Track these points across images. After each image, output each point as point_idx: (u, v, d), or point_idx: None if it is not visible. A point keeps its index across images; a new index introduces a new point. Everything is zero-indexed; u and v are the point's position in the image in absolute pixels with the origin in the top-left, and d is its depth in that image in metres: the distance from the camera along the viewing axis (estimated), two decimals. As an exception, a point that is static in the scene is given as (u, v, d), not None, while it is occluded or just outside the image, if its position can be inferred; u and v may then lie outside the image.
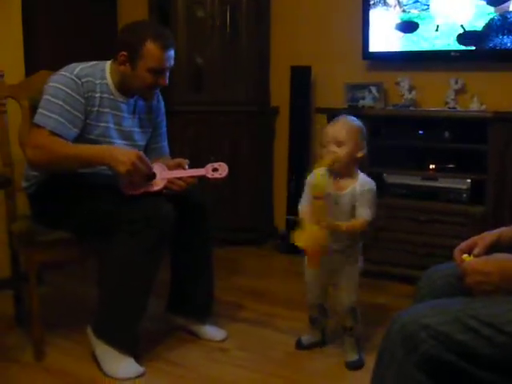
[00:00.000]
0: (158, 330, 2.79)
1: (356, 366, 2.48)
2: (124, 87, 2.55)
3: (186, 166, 2.56)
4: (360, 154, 2.41)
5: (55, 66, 2.86)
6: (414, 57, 3.74)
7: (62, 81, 2.43)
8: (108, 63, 2.56)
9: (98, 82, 2.49)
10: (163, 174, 2.46)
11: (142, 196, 2.39)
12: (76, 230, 2.51)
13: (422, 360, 1.31)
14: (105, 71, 2.54)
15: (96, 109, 2.48)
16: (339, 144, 2.37)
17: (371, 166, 3.48)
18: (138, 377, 2.37)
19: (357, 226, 2.38)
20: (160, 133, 2.81)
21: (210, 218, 2.71)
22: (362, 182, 2.40)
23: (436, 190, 3.39)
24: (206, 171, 2.48)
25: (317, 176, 2.32)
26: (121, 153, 2.35)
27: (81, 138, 2.45)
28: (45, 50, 3.93)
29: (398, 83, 3.72)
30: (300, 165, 4.08)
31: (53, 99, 2.39)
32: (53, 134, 2.37)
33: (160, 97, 2.78)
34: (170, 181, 2.46)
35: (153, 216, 2.33)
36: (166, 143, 2.85)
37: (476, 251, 1.56)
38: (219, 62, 4.16)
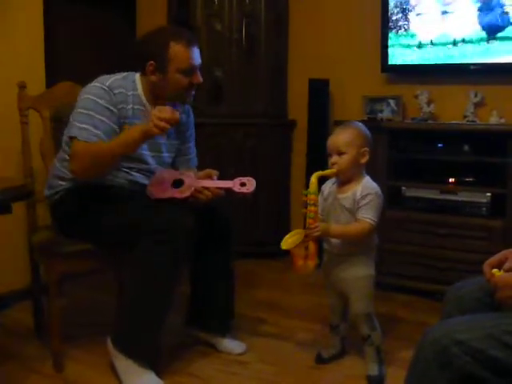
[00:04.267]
0: (177, 343, 2.78)
1: (377, 380, 2.46)
2: (157, 97, 2.54)
3: (215, 177, 2.56)
4: (363, 160, 2.42)
5: (75, 78, 2.90)
6: (433, 70, 3.74)
7: (94, 92, 2.43)
8: (137, 75, 2.56)
9: (129, 93, 2.50)
10: (191, 182, 2.47)
11: (166, 204, 2.40)
12: (98, 240, 2.50)
13: (455, 375, 1.30)
14: (136, 83, 2.54)
15: (128, 120, 2.48)
16: (340, 153, 2.39)
17: (389, 179, 3.49)
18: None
19: (351, 230, 2.38)
20: (189, 146, 2.81)
21: (234, 232, 2.71)
22: (365, 186, 2.40)
23: (455, 203, 3.37)
24: (234, 184, 2.48)
25: (310, 182, 2.36)
26: (142, 122, 2.35)
27: None
28: (65, 62, 3.94)
29: (416, 96, 3.71)
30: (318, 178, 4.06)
31: (85, 111, 2.39)
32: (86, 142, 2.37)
33: (190, 111, 2.78)
34: (197, 189, 2.46)
35: (176, 227, 2.31)
36: (194, 155, 2.85)
37: (507, 266, 1.54)
38: (238, 74, 4.17)
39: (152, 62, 2.46)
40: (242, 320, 3.00)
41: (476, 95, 3.57)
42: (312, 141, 4.07)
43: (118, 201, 2.45)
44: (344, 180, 2.44)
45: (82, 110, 2.40)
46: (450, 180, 3.44)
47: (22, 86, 2.76)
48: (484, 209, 3.29)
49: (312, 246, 2.37)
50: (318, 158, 4.05)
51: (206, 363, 2.62)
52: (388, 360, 2.56)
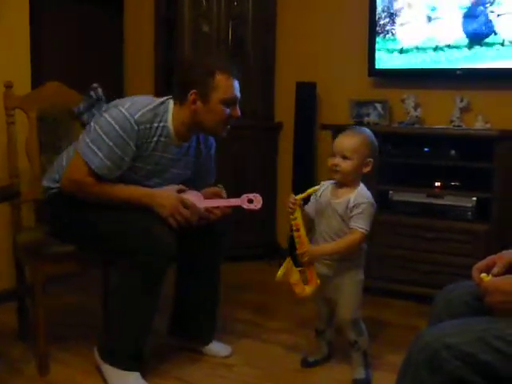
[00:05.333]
0: (163, 346, 2.76)
1: (363, 383, 2.46)
2: (192, 128, 2.48)
3: (224, 196, 2.57)
4: (366, 170, 2.41)
5: (61, 78, 2.88)
6: (420, 75, 3.76)
7: (119, 120, 2.33)
8: (171, 104, 2.47)
9: (156, 125, 2.40)
10: (199, 203, 2.46)
11: (151, 220, 2.35)
12: (82, 243, 2.48)
13: (446, 380, 1.30)
14: (167, 113, 2.44)
15: (147, 153, 2.42)
16: (345, 157, 2.37)
17: (376, 183, 3.49)
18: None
19: (342, 245, 2.37)
20: (205, 169, 2.73)
21: (226, 243, 2.72)
22: (359, 194, 2.39)
23: (441, 207, 3.39)
24: (242, 202, 2.49)
25: (294, 207, 2.39)
26: (161, 196, 2.38)
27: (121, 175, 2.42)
28: (50, 62, 3.92)
29: (403, 100, 3.73)
30: (304, 181, 4.07)
31: (104, 137, 2.32)
32: (94, 173, 2.34)
33: (214, 145, 2.72)
34: (206, 209, 2.46)
35: (154, 249, 2.27)
36: (210, 177, 2.77)
37: (495, 270, 1.54)
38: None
39: (195, 90, 2.39)
40: (228, 323, 3.00)
41: (462, 100, 3.60)
42: (299, 143, 4.08)
43: (110, 207, 2.41)
44: (340, 184, 2.43)
45: (101, 134, 2.33)
46: (437, 184, 3.46)
47: (9, 86, 2.73)
48: (469, 213, 3.31)
49: (307, 270, 2.39)
50: (304, 160, 4.07)
51: (192, 366, 2.61)
52: (375, 364, 2.57)
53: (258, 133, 4.25)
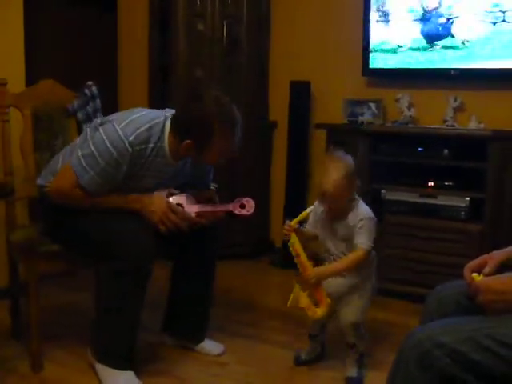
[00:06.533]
0: (156, 343, 2.77)
1: (355, 381, 2.47)
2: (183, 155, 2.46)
3: (216, 200, 2.59)
4: (354, 195, 2.40)
5: (55, 76, 2.88)
6: (414, 74, 3.77)
7: (114, 140, 2.29)
8: (168, 127, 2.40)
9: (151, 145, 2.37)
10: (191, 208, 2.46)
11: (134, 225, 2.35)
12: (68, 244, 2.49)
13: (436, 377, 1.31)
14: (164, 134, 2.39)
15: (141, 172, 2.41)
16: (330, 200, 2.35)
17: (369, 182, 3.51)
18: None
19: (347, 264, 2.38)
20: (204, 170, 2.71)
21: (219, 244, 2.73)
22: (356, 212, 2.39)
23: (434, 207, 3.40)
24: (234, 207, 2.49)
25: (292, 236, 2.40)
26: (151, 202, 2.38)
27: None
28: (44, 60, 3.92)
29: (397, 100, 3.74)
30: (298, 180, 4.09)
31: (97, 156, 2.29)
32: (83, 187, 2.33)
33: None
34: (197, 214, 2.46)
35: (133, 256, 2.27)
36: (208, 177, 2.75)
37: (486, 270, 1.56)
38: (219, 75, 4.16)
39: (189, 141, 2.34)
40: (220, 321, 3.00)
41: (456, 100, 3.61)
42: (293, 142, 4.09)
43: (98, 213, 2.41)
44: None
45: (94, 151, 2.31)
46: (430, 184, 3.47)
47: (3, 84, 2.72)
48: (463, 213, 3.32)
49: (315, 292, 2.39)
50: (298, 159, 4.08)
51: (185, 364, 2.62)
52: (368, 363, 2.58)
53: (253, 132, 4.24)
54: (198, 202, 2.51)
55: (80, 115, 2.96)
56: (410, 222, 3.43)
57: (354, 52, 3.91)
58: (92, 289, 3.00)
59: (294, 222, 2.40)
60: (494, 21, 3.43)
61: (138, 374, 2.41)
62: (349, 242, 2.39)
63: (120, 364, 2.38)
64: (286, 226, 2.41)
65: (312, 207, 2.49)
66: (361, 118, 3.80)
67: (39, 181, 2.55)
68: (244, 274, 4.01)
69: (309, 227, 2.50)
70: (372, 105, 3.82)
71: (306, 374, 2.57)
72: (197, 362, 2.65)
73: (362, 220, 2.36)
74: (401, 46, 3.71)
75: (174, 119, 2.41)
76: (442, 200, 3.38)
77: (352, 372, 2.49)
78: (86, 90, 2.99)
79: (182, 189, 2.52)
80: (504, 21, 3.40)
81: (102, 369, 2.40)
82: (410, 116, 3.69)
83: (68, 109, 2.93)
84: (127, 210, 2.38)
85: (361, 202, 2.43)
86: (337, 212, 2.40)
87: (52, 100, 2.88)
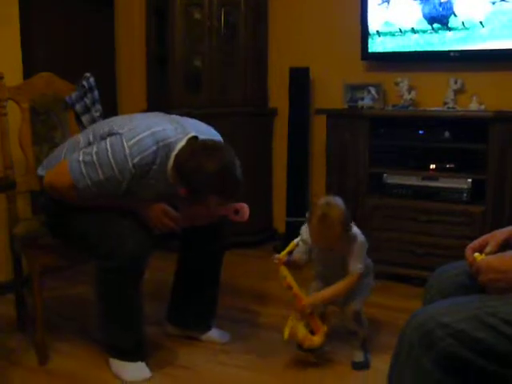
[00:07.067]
0: (162, 333, 2.78)
1: (362, 366, 2.48)
2: None
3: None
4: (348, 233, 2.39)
5: (52, 69, 2.88)
6: (413, 57, 3.75)
7: (118, 158, 2.22)
8: (178, 148, 2.31)
9: (156, 167, 2.30)
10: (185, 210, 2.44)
11: (129, 224, 2.33)
12: (64, 238, 2.49)
13: (440, 358, 1.31)
14: (170, 159, 2.31)
15: (141, 188, 2.36)
16: (325, 247, 2.39)
17: (371, 166, 3.51)
18: (144, 381, 2.38)
19: (342, 289, 2.40)
20: None
21: (228, 236, 2.72)
22: (349, 241, 2.39)
23: (436, 189, 3.39)
24: (228, 212, 2.47)
25: (281, 269, 2.42)
26: (145, 208, 2.37)
27: None
28: (41, 53, 3.90)
29: (397, 84, 3.72)
30: (299, 166, 4.08)
31: (98, 168, 2.23)
32: (77, 190, 2.29)
33: None
34: (191, 217, 2.44)
35: (124, 254, 2.25)
36: None
37: (488, 249, 1.55)
38: (217, 63, 4.15)
39: (187, 190, 2.29)
40: (224, 309, 3.00)
41: (456, 82, 3.59)
42: (293, 129, 4.07)
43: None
44: None
45: (96, 163, 2.24)
46: (431, 166, 3.45)
47: (0, 77, 2.72)
48: (465, 195, 3.31)
49: (311, 321, 2.42)
50: (299, 145, 4.07)
51: (191, 353, 2.62)
52: (371, 346, 2.58)
53: (253, 119, 4.24)
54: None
55: (78, 107, 2.95)
56: (411, 205, 3.43)
57: (352, 36, 3.89)
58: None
59: (282, 255, 2.43)
60: (494, 0, 3.40)
61: (147, 365, 2.43)
62: (342, 267, 2.41)
63: (130, 356, 2.40)
64: (275, 260, 2.43)
65: (299, 238, 2.49)
66: (361, 103, 3.78)
67: (40, 171, 2.51)
68: (248, 262, 4.01)
69: (297, 253, 2.49)
70: (372, 89, 3.80)
71: (311, 361, 2.56)
72: (202, 350, 2.65)
73: (354, 246, 2.39)
74: (401, 29, 3.69)
75: (178, 162, 2.30)
76: (443, 182, 3.37)
77: (358, 357, 2.50)
78: (84, 82, 2.98)
79: None
80: (503, 0, 3.38)
81: (113, 361, 2.43)
82: (411, 99, 3.68)
83: (66, 101, 2.92)
84: (126, 209, 2.37)
85: (354, 228, 2.42)
86: (331, 250, 2.42)
87: (50, 92, 2.88)
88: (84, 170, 2.25)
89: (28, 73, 3.17)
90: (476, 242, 1.61)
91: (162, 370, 2.46)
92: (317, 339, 2.43)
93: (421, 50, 3.68)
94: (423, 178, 3.43)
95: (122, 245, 2.25)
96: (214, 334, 2.75)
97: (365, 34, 3.79)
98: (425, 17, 3.62)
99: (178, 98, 4.10)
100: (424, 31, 3.63)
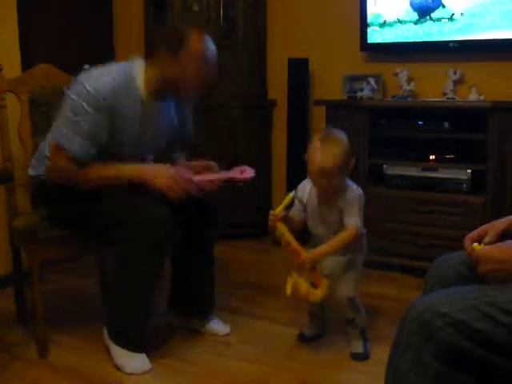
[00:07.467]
0: (162, 325, 2.78)
1: (361, 357, 2.48)
2: (162, 89, 2.44)
3: (216, 169, 2.58)
4: (350, 170, 2.37)
5: (50, 60, 2.86)
6: (413, 48, 3.74)
7: (86, 98, 2.27)
8: (140, 67, 2.42)
9: (123, 91, 2.34)
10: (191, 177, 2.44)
11: (141, 198, 2.34)
12: (77, 228, 2.48)
13: (439, 348, 1.31)
14: (135, 80, 2.39)
15: (123, 124, 2.38)
16: (328, 176, 2.29)
17: (370, 157, 3.51)
18: (144, 373, 2.37)
19: (339, 242, 2.36)
20: (186, 121, 2.73)
21: (219, 220, 2.71)
22: (347, 193, 2.37)
23: (436, 180, 3.39)
24: (234, 173, 2.49)
25: (278, 225, 2.35)
26: (154, 169, 2.37)
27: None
28: (40, 44, 3.88)
29: (396, 74, 3.71)
30: (298, 158, 4.06)
31: (76, 118, 2.28)
32: (76, 158, 2.30)
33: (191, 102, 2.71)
34: (197, 184, 2.43)
35: (147, 224, 2.26)
36: (189, 129, 2.75)
37: (487, 239, 1.55)
38: (216, 55, 4.12)
39: (166, 52, 2.38)
40: (224, 301, 3.00)
41: (455, 73, 3.58)
42: (292, 120, 4.07)
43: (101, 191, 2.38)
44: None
45: (71, 116, 2.29)
46: (431, 157, 3.45)
47: (-1, 69, 2.72)
48: (465, 185, 3.31)
49: (312, 275, 2.38)
50: (298, 137, 4.06)
51: (191, 345, 2.62)
52: (371, 337, 2.58)
53: (252, 111, 4.23)
54: (196, 172, 2.50)
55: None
56: (411, 196, 3.42)
57: (351, 27, 3.88)
58: (96, 274, 3.04)
59: (278, 211, 2.35)
60: (492, -10, 3.39)
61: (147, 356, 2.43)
62: (338, 225, 2.38)
63: (134, 346, 2.40)
64: (270, 216, 2.36)
65: (294, 191, 2.45)
66: (360, 94, 3.78)
67: (31, 171, 2.54)
68: (247, 253, 4.01)
69: (294, 212, 2.46)
70: (371, 80, 3.80)
71: (310, 351, 2.57)
72: (201, 342, 2.65)
73: (352, 199, 2.35)
74: (400, 20, 3.68)
75: (150, 45, 2.42)
76: (443, 173, 3.37)
77: (358, 347, 2.50)
78: (83, 74, 2.97)
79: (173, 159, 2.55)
80: (502, -10, 3.37)
81: (116, 350, 2.41)
82: (410, 90, 3.67)
83: (65, 92, 2.91)
84: (130, 179, 2.35)
85: (350, 182, 2.41)
86: (329, 193, 2.37)
87: (49, 84, 2.86)
88: (68, 132, 2.29)
89: (27, 66, 3.16)
90: (475, 232, 1.61)
91: (160, 361, 2.45)
92: (319, 292, 2.36)
93: (420, 41, 3.67)
94: (423, 169, 3.43)
95: (150, 211, 2.27)
96: (214, 324, 2.75)
97: (364, 25, 3.78)
98: (415, 6, 3.62)
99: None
100: (421, 22, 3.62)
